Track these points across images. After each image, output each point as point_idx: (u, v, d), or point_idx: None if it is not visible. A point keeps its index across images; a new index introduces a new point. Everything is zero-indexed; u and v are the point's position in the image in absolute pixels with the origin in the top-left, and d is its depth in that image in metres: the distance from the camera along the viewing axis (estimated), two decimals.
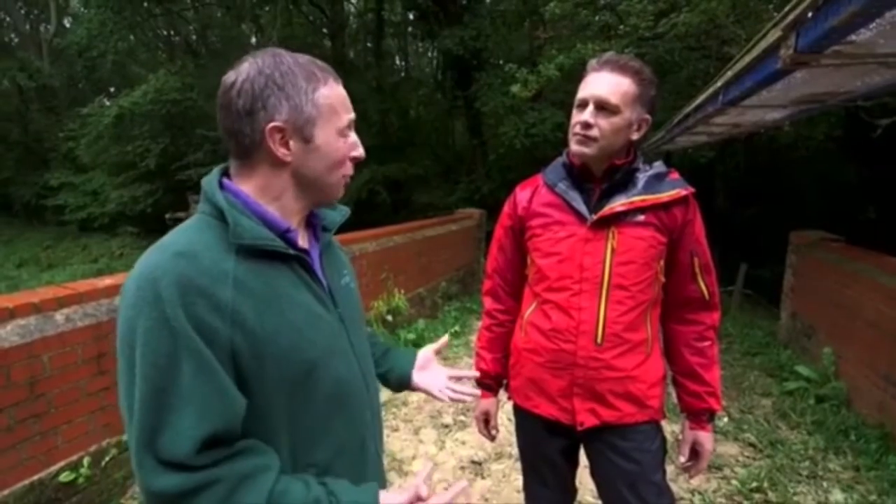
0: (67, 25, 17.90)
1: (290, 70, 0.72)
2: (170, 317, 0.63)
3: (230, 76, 0.72)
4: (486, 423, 1.48)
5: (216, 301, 0.66)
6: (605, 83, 1.15)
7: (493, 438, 1.51)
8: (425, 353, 1.09)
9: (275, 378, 0.71)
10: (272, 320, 0.70)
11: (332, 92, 0.76)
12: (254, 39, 13.76)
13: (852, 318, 3.35)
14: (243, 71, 0.72)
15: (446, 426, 3.05)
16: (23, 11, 18.30)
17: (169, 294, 0.64)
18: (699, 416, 1.30)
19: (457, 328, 4.94)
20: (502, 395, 1.49)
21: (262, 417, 0.70)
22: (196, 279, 0.65)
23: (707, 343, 1.30)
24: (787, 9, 1.27)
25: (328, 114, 0.75)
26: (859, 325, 3.25)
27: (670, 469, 2.13)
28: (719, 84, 2.20)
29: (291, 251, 0.75)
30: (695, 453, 1.32)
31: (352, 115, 0.80)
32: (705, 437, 1.30)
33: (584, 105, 1.19)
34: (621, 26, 6.90)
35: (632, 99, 1.16)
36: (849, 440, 2.85)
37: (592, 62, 1.20)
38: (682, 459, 1.33)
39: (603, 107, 1.16)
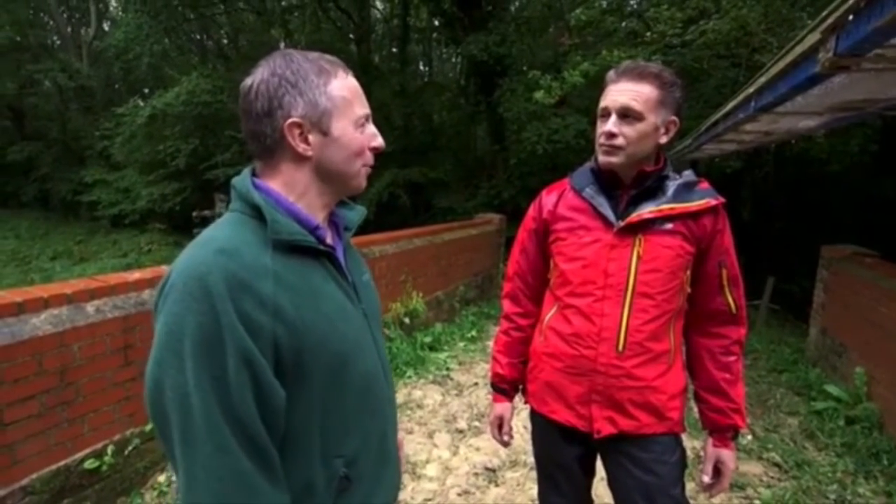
0: (106, 29, 18.65)
1: (300, 67, 0.75)
2: (220, 311, 0.64)
3: (246, 82, 0.76)
4: (500, 428, 1.46)
5: (260, 296, 0.67)
6: (625, 92, 1.14)
7: (506, 444, 1.49)
8: None
9: (311, 370, 0.72)
10: (309, 314, 0.72)
11: (344, 83, 0.78)
12: (282, 44, 14.07)
13: (887, 337, 3.21)
14: (257, 75, 0.75)
15: (461, 431, 3.04)
16: (65, 15, 19.14)
17: (219, 290, 0.65)
18: (723, 432, 1.27)
19: (474, 333, 4.92)
20: (518, 401, 1.47)
21: (296, 410, 0.72)
22: (239, 274, 0.67)
23: (733, 358, 1.26)
24: (825, 12, 1.23)
25: (343, 105, 0.77)
26: (894, 345, 3.11)
27: (690, 486, 2.07)
28: (751, 90, 2.15)
29: (322, 247, 0.77)
30: (717, 471, 1.28)
31: (366, 106, 0.81)
32: (728, 456, 1.26)
33: (606, 115, 1.18)
34: (648, 33, 6.81)
35: (654, 104, 1.14)
36: (881, 464, 2.73)
37: (611, 73, 1.19)
38: (706, 479, 1.29)
39: (626, 114, 1.14)
